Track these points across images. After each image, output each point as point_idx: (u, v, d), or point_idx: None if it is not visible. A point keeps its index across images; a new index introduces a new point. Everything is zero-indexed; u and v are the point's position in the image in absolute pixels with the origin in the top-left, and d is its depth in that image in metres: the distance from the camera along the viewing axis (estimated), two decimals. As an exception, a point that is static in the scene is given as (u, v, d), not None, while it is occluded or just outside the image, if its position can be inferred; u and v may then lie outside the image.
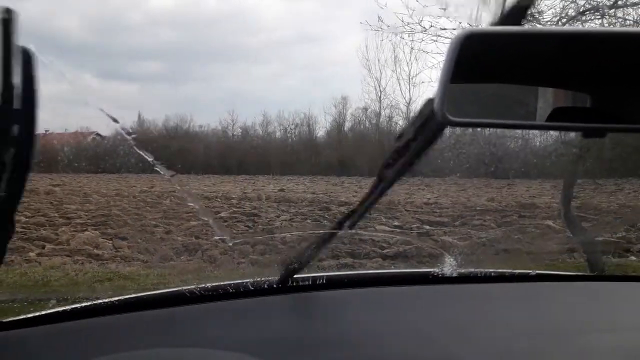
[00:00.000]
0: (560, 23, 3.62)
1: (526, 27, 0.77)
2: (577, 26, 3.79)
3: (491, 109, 0.90)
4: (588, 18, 3.89)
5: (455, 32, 0.70)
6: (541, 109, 0.94)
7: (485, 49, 0.70)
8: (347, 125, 35.91)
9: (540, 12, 4.01)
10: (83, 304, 0.92)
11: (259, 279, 1.03)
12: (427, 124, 0.77)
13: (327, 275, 1.05)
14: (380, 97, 33.17)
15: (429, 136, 0.80)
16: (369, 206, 0.91)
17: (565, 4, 4.05)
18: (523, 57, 0.77)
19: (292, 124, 35.84)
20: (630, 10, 4.25)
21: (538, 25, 3.66)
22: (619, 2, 3.99)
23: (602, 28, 2.85)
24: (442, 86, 0.68)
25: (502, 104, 0.92)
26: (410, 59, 30.28)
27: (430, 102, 0.74)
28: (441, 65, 0.68)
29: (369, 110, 34.61)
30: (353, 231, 0.95)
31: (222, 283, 1.00)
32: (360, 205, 0.92)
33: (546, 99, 0.92)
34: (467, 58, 0.67)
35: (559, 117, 0.90)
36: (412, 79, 29.46)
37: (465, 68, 0.68)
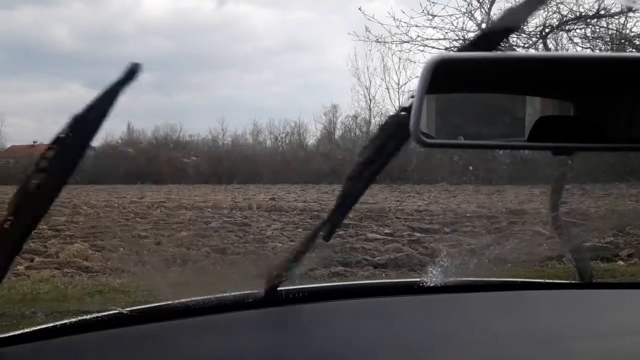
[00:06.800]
0: (543, 33, 3.67)
1: (494, 53, 0.80)
2: (560, 36, 3.85)
3: (465, 124, 0.93)
4: (571, 27, 3.95)
5: (431, 56, 0.73)
6: (512, 124, 0.97)
7: (455, 72, 0.73)
8: (338, 133, 35.94)
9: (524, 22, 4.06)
10: (72, 320, 0.91)
11: (244, 292, 1.03)
12: (392, 138, 0.80)
13: (313, 287, 1.05)
14: (370, 105, 33.23)
15: (392, 150, 0.82)
16: (340, 216, 0.92)
17: (548, 14, 4.11)
18: (493, 78, 0.81)
19: (283, 133, 35.79)
20: (612, 19, 4.33)
21: (521, 38, 3.72)
22: (602, 12, 4.06)
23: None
24: (417, 109, 0.70)
25: (476, 120, 0.95)
26: (398, 68, 30.42)
27: (393, 117, 0.77)
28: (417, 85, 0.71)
29: (359, 118, 34.67)
30: (328, 242, 0.96)
31: (208, 297, 1.00)
32: (332, 215, 0.94)
33: (523, 113, 0.95)
34: (439, 82, 0.69)
35: (539, 130, 0.93)
36: (401, 87, 29.58)
37: (438, 91, 0.71)
